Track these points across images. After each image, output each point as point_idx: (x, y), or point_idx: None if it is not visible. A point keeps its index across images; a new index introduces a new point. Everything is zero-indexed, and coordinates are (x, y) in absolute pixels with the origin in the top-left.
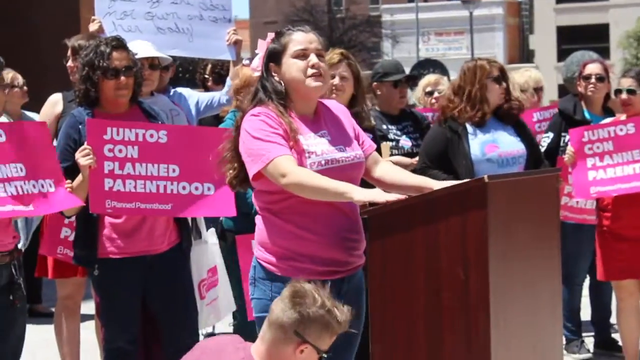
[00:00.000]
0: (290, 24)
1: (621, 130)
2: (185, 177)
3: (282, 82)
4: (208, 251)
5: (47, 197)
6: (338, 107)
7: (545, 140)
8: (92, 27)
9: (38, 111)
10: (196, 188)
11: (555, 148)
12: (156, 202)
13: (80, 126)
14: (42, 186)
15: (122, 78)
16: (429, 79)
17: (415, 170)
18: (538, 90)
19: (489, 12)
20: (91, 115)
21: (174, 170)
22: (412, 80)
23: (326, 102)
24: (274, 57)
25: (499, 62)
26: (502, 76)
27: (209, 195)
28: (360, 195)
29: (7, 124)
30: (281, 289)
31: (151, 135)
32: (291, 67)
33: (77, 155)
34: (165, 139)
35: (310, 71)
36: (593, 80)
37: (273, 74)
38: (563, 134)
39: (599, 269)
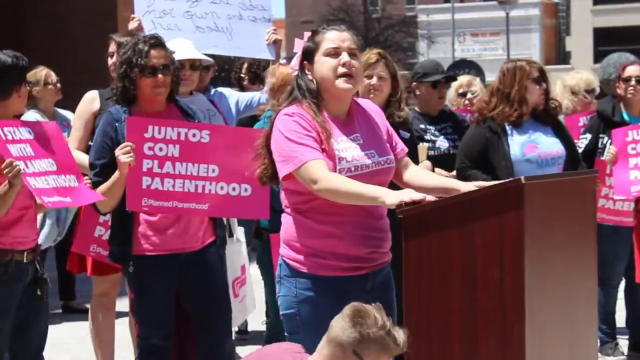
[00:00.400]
0: (326, 23)
1: None
2: (223, 177)
3: (314, 81)
4: (241, 249)
5: (76, 190)
6: (372, 108)
7: (582, 142)
8: (132, 25)
9: (73, 109)
10: (233, 189)
11: (593, 150)
12: (193, 201)
13: (117, 124)
14: (70, 181)
15: (160, 76)
16: (461, 80)
17: (456, 170)
18: (590, 92)
19: (526, 13)
20: (128, 113)
21: (213, 171)
22: (451, 81)
23: (361, 101)
24: (308, 55)
25: (539, 63)
26: (542, 77)
27: (246, 196)
28: (392, 199)
29: (30, 122)
30: (306, 285)
31: (194, 135)
32: (322, 65)
33: (118, 152)
34: (207, 138)
35: (340, 70)
36: (633, 82)
37: (307, 72)
38: (601, 135)
39: (637, 271)
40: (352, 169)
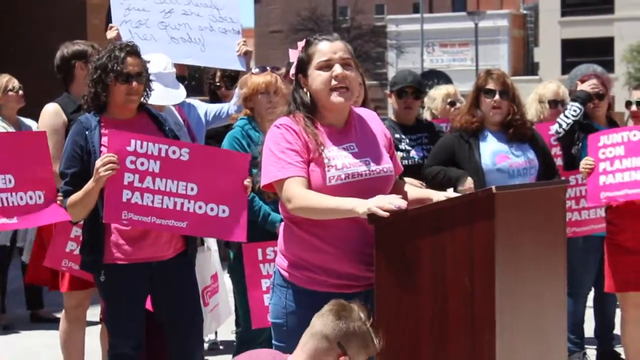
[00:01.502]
0: (295, 33)
1: (635, 135)
2: (202, 196)
3: (308, 94)
4: (211, 258)
5: (33, 209)
6: (373, 119)
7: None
8: (110, 34)
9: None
10: (212, 209)
11: (570, 154)
12: (172, 218)
13: (87, 132)
14: (31, 198)
15: (134, 83)
16: (447, 89)
17: (424, 169)
18: (557, 102)
19: (494, 24)
20: (98, 120)
21: (192, 189)
22: (418, 92)
23: (362, 111)
24: (301, 67)
25: (504, 76)
26: (502, 90)
27: (224, 217)
28: (363, 207)
29: (3, 134)
30: (295, 297)
31: (174, 152)
32: (316, 79)
33: (98, 163)
34: (187, 156)
35: (333, 82)
36: (595, 100)
37: (302, 85)
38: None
39: (606, 280)
40: (343, 176)
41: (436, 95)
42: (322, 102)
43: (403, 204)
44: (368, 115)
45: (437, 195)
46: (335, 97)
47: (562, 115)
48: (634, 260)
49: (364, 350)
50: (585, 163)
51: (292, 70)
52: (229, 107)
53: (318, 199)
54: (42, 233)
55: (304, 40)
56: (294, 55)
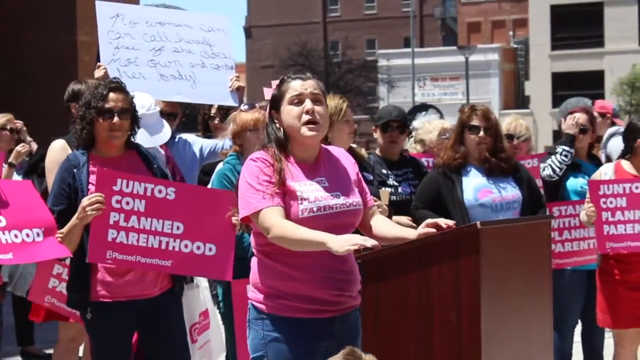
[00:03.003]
0: (286, 68)
1: (637, 188)
2: (188, 235)
3: (281, 129)
4: (200, 295)
5: (31, 246)
6: (342, 154)
7: (543, 166)
8: (98, 73)
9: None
10: (198, 247)
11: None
12: (157, 257)
13: (75, 170)
14: (28, 235)
15: (116, 119)
16: (444, 124)
17: (410, 211)
18: (513, 137)
19: (485, 58)
20: (86, 157)
21: (178, 228)
22: (403, 126)
23: (332, 149)
24: (274, 103)
25: (488, 112)
26: (486, 126)
27: (210, 256)
28: (337, 245)
29: None
30: (272, 327)
31: (159, 191)
32: (288, 113)
33: (85, 202)
34: (173, 195)
35: (304, 117)
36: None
37: (274, 120)
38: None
39: (600, 315)
40: (315, 209)
41: (432, 128)
42: (293, 136)
43: (376, 244)
44: (337, 152)
45: (416, 233)
46: (306, 131)
47: (554, 160)
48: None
49: None
50: (589, 210)
51: (267, 108)
52: (224, 142)
53: (295, 229)
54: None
55: (279, 79)
56: (268, 93)
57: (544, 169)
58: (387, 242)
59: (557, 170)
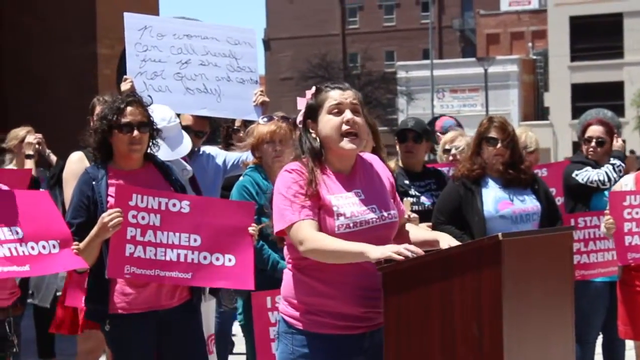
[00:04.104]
0: (306, 80)
1: None
2: (206, 247)
3: (317, 139)
4: (213, 307)
5: (47, 258)
6: (378, 164)
7: (584, 174)
8: (124, 86)
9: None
10: (217, 259)
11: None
12: (176, 270)
13: (94, 182)
14: (44, 247)
15: (136, 132)
16: (445, 136)
17: (432, 226)
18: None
19: (504, 70)
20: (105, 171)
21: (195, 240)
22: (418, 136)
23: (367, 156)
24: (311, 113)
25: (505, 124)
26: (504, 138)
27: (230, 266)
28: (376, 253)
29: (6, 191)
30: (302, 342)
31: (174, 205)
32: (326, 123)
33: (105, 217)
34: (187, 209)
35: (344, 127)
36: (593, 143)
37: (310, 130)
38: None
39: (622, 327)
40: (351, 224)
41: (463, 143)
42: (331, 148)
43: (419, 251)
44: (371, 159)
45: (444, 238)
46: (346, 144)
47: (611, 170)
48: None
49: None
50: (607, 222)
51: (299, 117)
52: (247, 155)
53: (330, 242)
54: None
55: (314, 88)
56: (302, 103)
57: (596, 176)
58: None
59: (612, 180)
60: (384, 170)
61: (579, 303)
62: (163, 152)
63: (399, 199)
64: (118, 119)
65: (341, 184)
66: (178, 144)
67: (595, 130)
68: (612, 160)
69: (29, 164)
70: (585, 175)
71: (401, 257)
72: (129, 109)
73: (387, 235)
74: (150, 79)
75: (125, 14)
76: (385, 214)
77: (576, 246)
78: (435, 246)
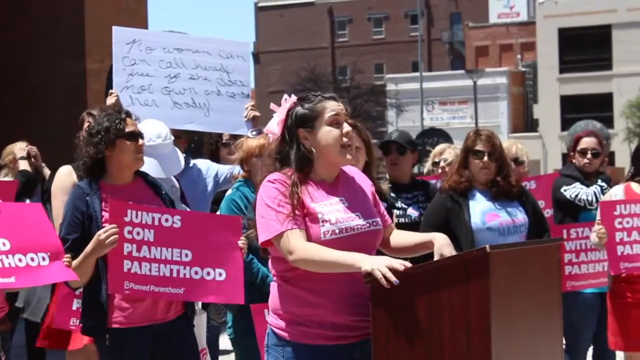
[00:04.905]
0: (295, 93)
1: None
2: (197, 262)
3: (312, 149)
4: (205, 320)
5: (35, 270)
6: (358, 173)
7: (572, 191)
8: (109, 100)
9: None
10: (208, 273)
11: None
12: (169, 285)
13: (87, 197)
14: (32, 259)
15: (142, 141)
16: (435, 149)
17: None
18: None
19: (493, 82)
20: (97, 185)
21: (186, 255)
22: (402, 148)
23: (346, 168)
24: (304, 122)
25: (492, 137)
26: (491, 151)
27: (220, 281)
28: (368, 264)
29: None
30: (292, 354)
31: (166, 220)
32: (327, 134)
33: (102, 234)
34: (179, 224)
35: (344, 140)
36: (589, 155)
37: (302, 140)
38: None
39: (612, 338)
40: (337, 231)
41: (452, 156)
42: (326, 157)
43: (408, 265)
44: (352, 170)
45: (439, 239)
46: (347, 156)
47: (599, 192)
48: None
49: None
50: (599, 232)
51: (275, 125)
52: (239, 169)
53: (321, 251)
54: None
55: (293, 96)
56: (280, 110)
57: (585, 195)
58: (408, 253)
59: (593, 203)
60: (366, 181)
61: (570, 315)
62: (155, 170)
63: (383, 208)
64: (123, 129)
65: (325, 191)
66: (171, 162)
67: (589, 142)
68: (600, 182)
69: (23, 164)
70: (573, 192)
71: (386, 284)
72: (128, 120)
73: (372, 243)
74: (136, 93)
75: (114, 28)
76: (370, 221)
77: (567, 257)
78: (430, 247)
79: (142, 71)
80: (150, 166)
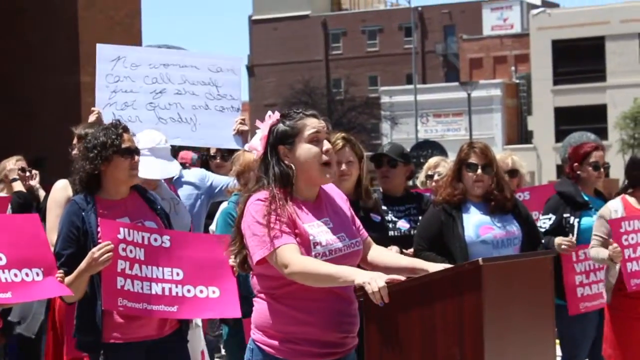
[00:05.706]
0: (290, 106)
1: None
2: (189, 280)
3: (292, 166)
4: (200, 334)
5: (30, 285)
6: (335, 191)
7: (545, 222)
8: (91, 117)
9: None
10: (201, 291)
11: (557, 229)
12: (162, 303)
13: (83, 213)
14: (27, 275)
15: (136, 157)
16: (429, 162)
17: (413, 252)
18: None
19: (487, 94)
20: (93, 200)
21: (177, 274)
22: (393, 161)
23: (324, 186)
24: (285, 139)
25: (486, 150)
26: (484, 164)
27: (214, 298)
28: (362, 278)
29: None
30: None
31: (155, 239)
32: (307, 152)
33: (96, 252)
34: (168, 243)
35: (324, 158)
36: (601, 170)
37: (282, 156)
38: (565, 215)
39: (616, 352)
40: (327, 253)
41: (445, 169)
42: (306, 175)
43: (401, 278)
44: (330, 189)
45: (433, 267)
46: (326, 175)
47: (554, 225)
48: None
49: None
50: (615, 250)
51: (257, 141)
52: (234, 182)
53: (315, 264)
54: (56, 325)
55: (277, 113)
56: (263, 126)
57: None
58: (397, 273)
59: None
60: (341, 197)
61: (572, 327)
62: (153, 171)
63: (359, 222)
64: (120, 144)
65: (310, 211)
66: (166, 165)
67: (601, 156)
68: (594, 213)
69: (17, 185)
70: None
71: (376, 301)
72: (125, 135)
73: (354, 262)
74: (120, 109)
75: (98, 45)
76: (353, 241)
77: (578, 279)
78: (417, 273)
79: (126, 88)
80: (145, 166)
